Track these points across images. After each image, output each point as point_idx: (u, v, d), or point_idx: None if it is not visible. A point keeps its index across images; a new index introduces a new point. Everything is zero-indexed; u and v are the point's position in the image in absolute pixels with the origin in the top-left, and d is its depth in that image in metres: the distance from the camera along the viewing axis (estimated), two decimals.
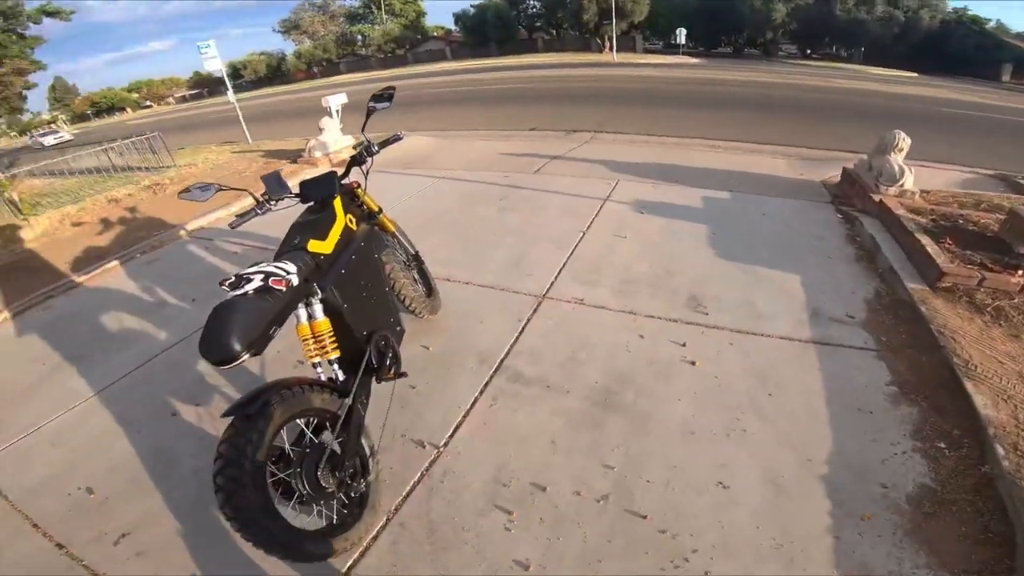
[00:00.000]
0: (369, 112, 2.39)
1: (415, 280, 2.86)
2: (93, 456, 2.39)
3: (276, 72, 52.39)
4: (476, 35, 40.55)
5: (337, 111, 7.75)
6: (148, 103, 60.53)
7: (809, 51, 33.76)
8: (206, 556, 1.78)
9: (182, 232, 5.61)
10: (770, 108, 10.87)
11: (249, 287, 1.49)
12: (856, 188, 4.07)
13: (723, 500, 1.73)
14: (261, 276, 1.51)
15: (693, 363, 2.35)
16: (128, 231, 6.24)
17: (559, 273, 3.22)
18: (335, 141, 6.94)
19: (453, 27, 45.52)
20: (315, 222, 1.98)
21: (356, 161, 2.34)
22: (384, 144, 2.45)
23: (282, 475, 1.49)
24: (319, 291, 1.76)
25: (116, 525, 1.97)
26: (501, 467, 1.94)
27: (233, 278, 1.52)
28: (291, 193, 2.12)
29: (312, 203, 2.12)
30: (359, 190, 2.38)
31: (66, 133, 32.34)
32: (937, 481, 1.73)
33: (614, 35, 30.94)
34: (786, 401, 2.11)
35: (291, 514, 1.53)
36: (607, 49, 32.97)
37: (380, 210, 2.51)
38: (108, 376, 2.98)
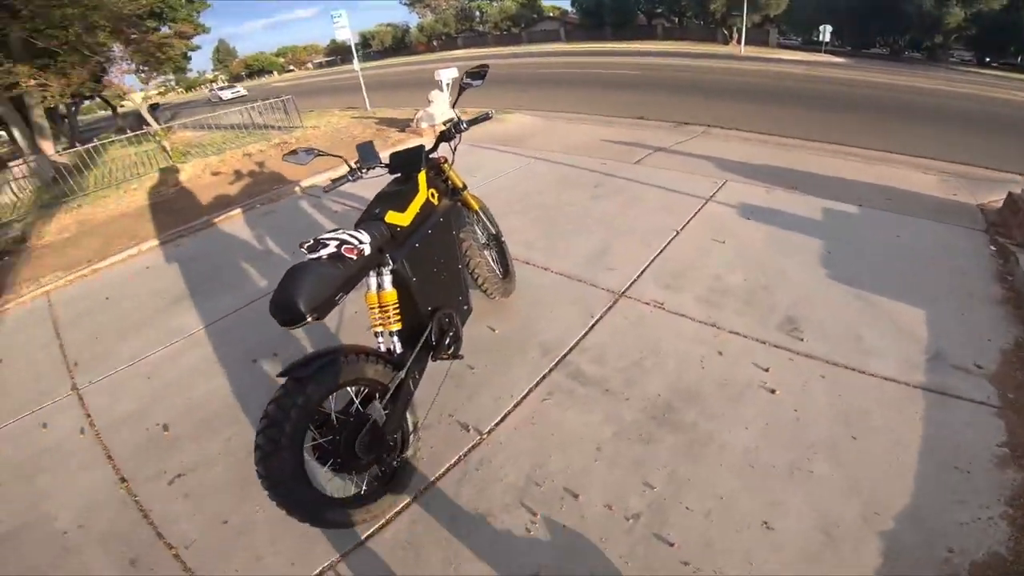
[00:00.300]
0: (462, 88, 2.37)
1: (492, 260, 2.84)
2: (177, 393, 2.68)
3: (400, 44, 55.02)
4: (592, 17, 39.34)
5: (447, 84, 7.94)
6: (291, 67, 66.78)
7: (988, 59, 28.47)
8: (242, 508, 1.91)
9: (297, 188, 6.11)
10: (926, 117, 9.38)
11: (324, 252, 1.54)
12: (1020, 218, 3.35)
13: (762, 541, 1.56)
14: (336, 243, 1.55)
15: (773, 391, 2.09)
16: (254, 183, 6.92)
17: (643, 272, 3.03)
18: (442, 113, 7.12)
19: (569, 8, 44.56)
20: (398, 193, 2.00)
21: (445, 136, 2.33)
22: (473, 122, 2.42)
23: (321, 440, 1.54)
24: (390, 262, 1.78)
25: (175, 465, 2.19)
26: (539, 465, 1.88)
27: (312, 241, 1.57)
28: (381, 163, 2.17)
29: (399, 174, 2.15)
30: (445, 165, 2.38)
31: (242, 89, 33.87)
32: (1012, 551, 1.45)
33: (743, 27, 28.42)
34: (870, 447, 1.83)
35: (324, 477, 1.59)
36: (734, 41, 30.47)
37: (464, 186, 2.50)
38: (209, 316, 3.33)
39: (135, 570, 1.76)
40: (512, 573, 1.55)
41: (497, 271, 2.78)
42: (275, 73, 64.04)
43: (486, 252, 2.81)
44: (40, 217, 7.16)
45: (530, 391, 2.22)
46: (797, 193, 4.20)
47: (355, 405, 1.63)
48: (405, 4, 56.39)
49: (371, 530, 1.74)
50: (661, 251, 3.25)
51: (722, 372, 2.21)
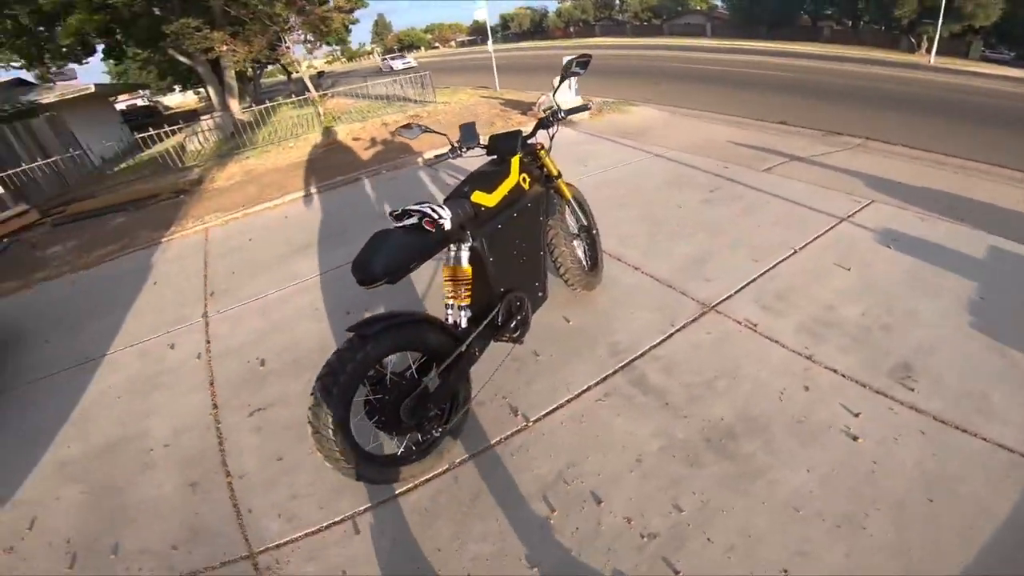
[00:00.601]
0: (563, 77, 2.34)
1: (581, 251, 2.80)
2: (280, 332, 3.04)
3: (538, 27, 55.39)
4: (745, 15, 35.98)
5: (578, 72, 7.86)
6: (436, 44, 70.79)
7: None
8: (297, 448, 2.12)
9: (419, 160, 6.53)
10: None
11: (407, 222, 1.64)
12: None
13: (756, 565, 1.45)
14: (418, 215, 1.64)
15: (855, 438, 1.83)
16: (385, 151, 7.51)
17: (742, 288, 2.79)
18: (564, 101, 7.08)
19: (718, 3, 41.23)
20: (489, 174, 2.06)
21: (543, 124, 2.34)
22: (571, 111, 2.40)
23: (372, 397, 1.66)
24: (470, 239, 1.84)
25: (259, 399, 2.48)
26: (573, 464, 1.86)
27: (399, 211, 1.68)
28: (479, 144, 2.24)
29: (495, 156, 2.21)
30: (542, 152, 2.38)
31: (412, 60, 34.33)
32: None
33: (936, 35, 24.08)
34: (943, 513, 1.56)
35: (368, 432, 1.70)
36: (922, 50, 26.02)
37: (559, 174, 2.48)
38: (322, 267, 3.73)
39: (192, 493, 2.04)
40: (511, 563, 1.56)
41: (583, 263, 2.74)
42: (422, 48, 68.37)
43: (575, 243, 2.78)
44: (216, 164, 8.49)
45: (587, 389, 2.18)
46: (962, 225, 3.53)
47: (411, 370, 1.73)
48: None
49: (397, 491, 1.85)
50: (770, 269, 2.96)
51: (802, 408, 1.98)
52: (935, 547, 1.47)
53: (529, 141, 2.30)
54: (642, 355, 2.34)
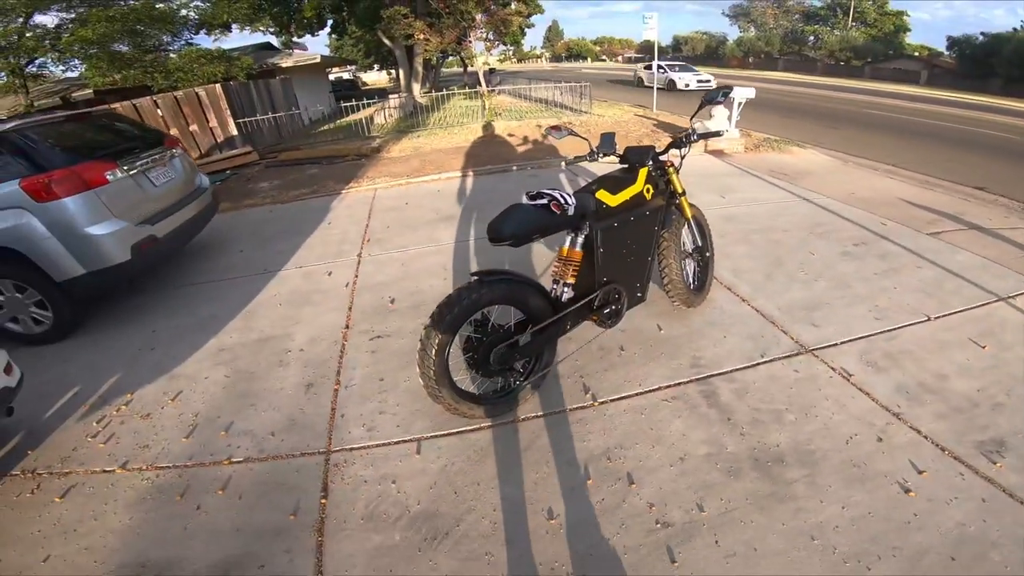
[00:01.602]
0: (701, 105, 2.51)
1: (690, 269, 2.93)
2: (413, 280, 3.61)
3: (713, 53, 52.79)
4: (976, 66, 30.42)
5: (740, 104, 7.64)
6: (603, 57, 71.36)
7: None
8: (398, 374, 2.55)
9: (562, 163, 6.94)
10: None
11: (539, 201, 1.99)
12: None
13: None
14: (548, 198, 1.98)
15: (907, 491, 1.77)
16: (533, 150, 8.08)
17: (850, 341, 2.68)
18: (712, 127, 6.96)
19: (945, 50, 35.35)
20: (617, 179, 2.33)
21: (676, 144, 2.53)
22: (703, 136, 2.55)
23: (473, 335, 2.02)
24: (587, 229, 2.14)
25: (381, 328, 3.01)
26: (621, 446, 2.04)
27: (535, 192, 2.04)
28: (615, 152, 2.51)
29: (626, 165, 2.47)
30: (671, 169, 2.57)
31: (709, 76, 20.92)
32: None
33: None
34: (959, 573, 1.51)
35: (462, 366, 2.03)
36: None
37: (683, 192, 2.65)
38: (458, 237, 4.31)
39: (304, 392, 2.50)
40: (535, 511, 1.79)
41: (689, 280, 2.87)
42: (588, 60, 69.34)
43: (687, 261, 2.92)
44: (393, 138, 9.81)
45: (658, 388, 2.34)
46: None
47: (511, 323, 2.08)
48: (727, 16, 53.53)
49: (463, 428, 2.16)
50: (891, 330, 2.78)
51: (864, 455, 1.94)
52: None
53: (661, 157, 2.52)
54: (720, 374, 2.42)
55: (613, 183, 2.29)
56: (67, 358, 3.09)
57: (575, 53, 73.24)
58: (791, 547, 1.62)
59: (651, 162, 2.42)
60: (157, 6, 11.05)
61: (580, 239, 2.16)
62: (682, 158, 2.63)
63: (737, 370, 2.46)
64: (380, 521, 1.79)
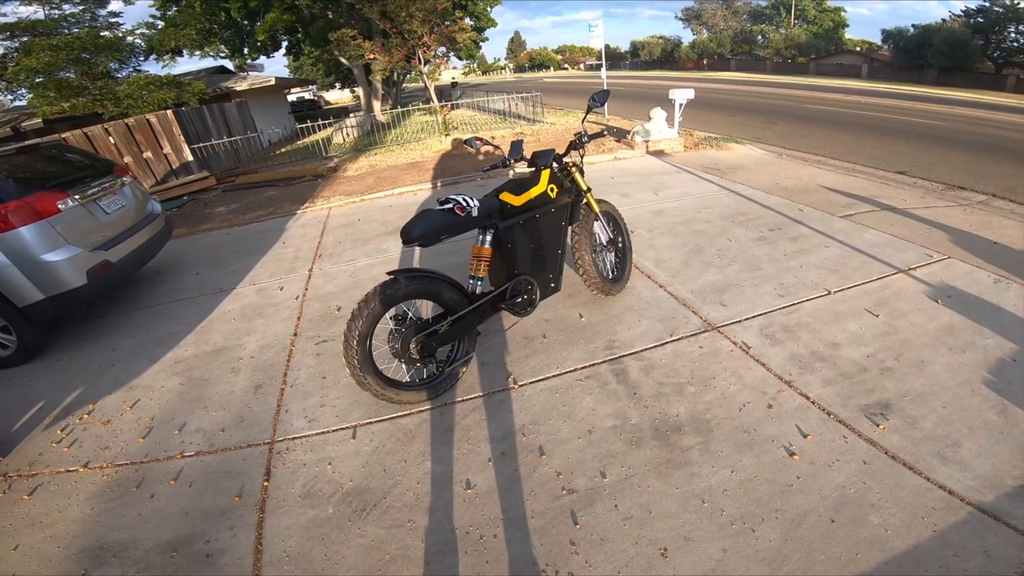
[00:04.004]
0: (589, 108, 2.78)
1: (607, 261, 3.19)
2: (358, 289, 3.80)
3: (668, 57, 54.49)
4: (910, 57, 32.18)
5: (681, 104, 8.06)
6: (565, 66, 72.78)
7: None
8: (341, 372, 2.75)
9: (510, 172, 7.21)
10: None
11: (446, 206, 2.22)
12: None
13: (647, 563, 1.65)
14: (454, 203, 2.21)
15: (792, 454, 2.00)
16: (486, 160, 8.32)
17: (753, 317, 2.98)
18: (657, 131, 7.35)
19: (881, 43, 37.31)
20: (522, 181, 2.58)
21: (573, 145, 2.80)
22: (592, 137, 2.81)
23: (393, 327, 2.24)
24: (494, 227, 2.38)
25: (326, 333, 3.22)
26: (536, 423, 2.27)
27: (444, 198, 2.27)
28: (523, 158, 2.76)
29: (533, 168, 2.72)
30: (574, 169, 2.84)
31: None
32: None
33: None
34: (837, 536, 1.70)
35: (386, 355, 2.22)
36: None
37: (588, 189, 2.92)
38: (405, 248, 4.47)
39: (253, 393, 2.72)
40: (454, 482, 1.98)
41: (604, 272, 3.13)
42: (551, 69, 70.62)
43: (604, 253, 3.18)
44: (350, 157, 9.96)
45: (573, 370, 2.58)
46: None
47: (430, 315, 2.30)
48: (680, 19, 55.35)
49: (395, 414, 2.38)
50: (790, 305, 3.09)
51: (754, 421, 2.19)
52: (809, 562, 1.61)
53: (564, 159, 2.78)
54: (631, 354, 2.68)
55: (518, 185, 2.54)
56: (32, 378, 3.24)
57: (538, 63, 74.56)
58: (683, 510, 1.82)
59: (554, 163, 2.68)
60: (102, 34, 11.00)
61: (488, 237, 2.40)
62: (581, 157, 2.89)
63: (647, 349, 2.72)
64: (316, 498, 1.98)
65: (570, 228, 2.84)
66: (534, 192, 2.54)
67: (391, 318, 2.23)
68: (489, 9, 18.29)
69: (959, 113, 15.85)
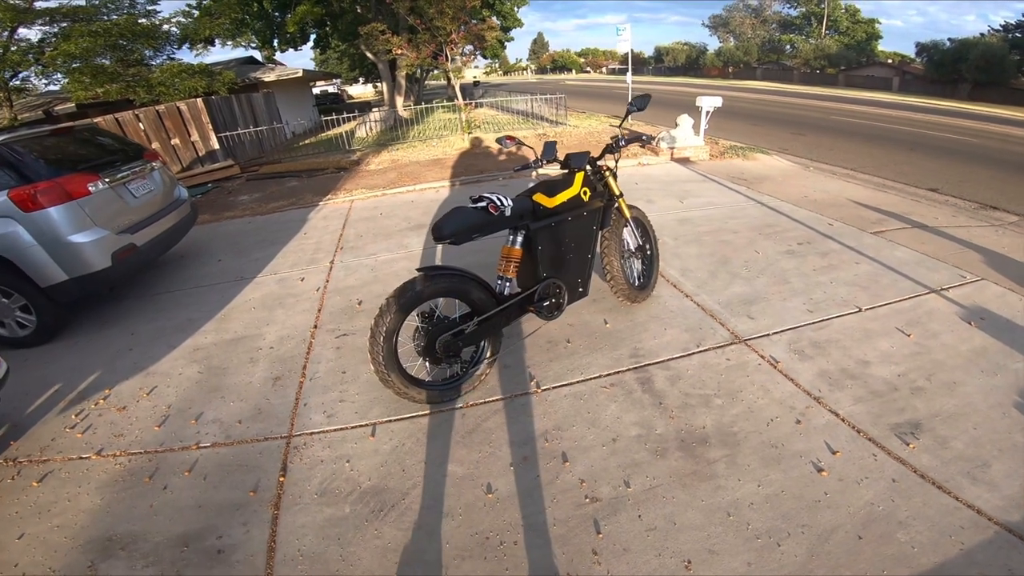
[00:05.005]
0: (628, 112, 2.73)
1: (634, 268, 3.14)
2: (379, 283, 3.78)
3: (693, 64, 53.98)
4: (944, 71, 31.39)
5: (708, 112, 7.96)
6: (587, 69, 72.56)
7: None
8: (361, 367, 2.72)
9: (533, 174, 7.18)
10: None
11: (479, 204, 2.19)
12: None
13: (666, 567, 1.62)
14: (487, 201, 2.18)
15: (820, 470, 1.94)
16: (508, 160, 8.31)
17: (781, 332, 2.90)
18: (683, 138, 7.25)
19: (914, 56, 36.53)
20: (555, 183, 2.54)
21: (609, 149, 2.75)
22: (630, 141, 2.75)
23: (420, 325, 2.21)
24: (525, 228, 2.35)
25: (347, 327, 3.19)
26: (559, 428, 2.22)
27: (477, 196, 2.24)
28: (556, 159, 2.72)
29: (566, 170, 2.68)
30: (607, 173, 2.79)
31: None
32: None
33: None
34: (864, 552, 1.66)
35: (408, 353, 2.20)
36: None
37: (621, 195, 2.87)
38: (425, 244, 4.51)
39: (272, 384, 2.69)
40: (475, 486, 1.94)
41: (631, 278, 3.08)
42: (572, 71, 70.43)
43: (632, 260, 3.13)
44: (372, 151, 10.00)
45: (597, 376, 2.53)
46: None
47: (457, 315, 2.27)
48: (707, 26, 54.80)
49: (415, 413, 2.34)
50: (820, 321, 3.01)
51: (781, 436, 2.12)
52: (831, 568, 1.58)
53: (598, 162, 2.73)
54: (657, 363, 2.62)
55: (551, 186, 2.50)
56: (49, 360, 3.24)
57: (560, 65, 74.42)
58: (708, 522, 1.77)
59: (588, 166, 2.63)
60: (140, 21, 11.21)
61: (519, 238, 2.36)
62: (616, 162, 2.84)
63: (673, 359, 2.66)
64: (333, 496, 1.95)
65: (600, 233, 2.80)
66: (567, 195, 2.50)
67: (417, 315, 2.20)
68: (516, 9, 18.30)
69: (992, 130, 15.43)
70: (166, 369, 2.99)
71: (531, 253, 2.41)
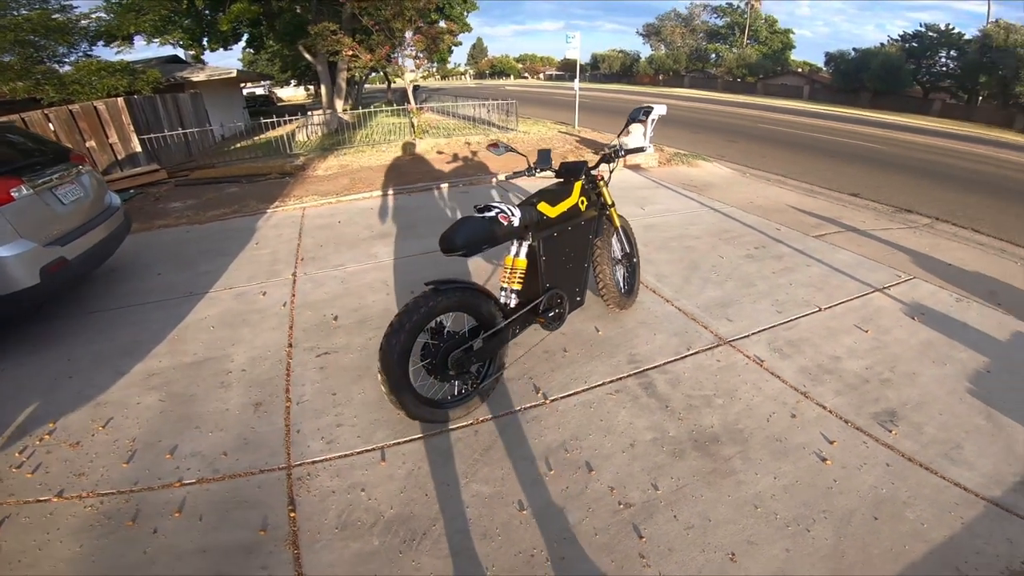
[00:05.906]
0: (629, 121, 2.80)
1: (620, 275, 3.21)
2: (354, 297, 3.62)
3: (627, 71, 56.44)
4: (849, 80, 34.98)
5: (653, 120, 8.31)
6: (525, 74, 73.70)
7: None
8: (351, 387, 2.60)
9: (492, 180, 7.16)
10: None
11: (487, 214, 2.15)
12: None
13: (717, 568, 1.68)
14: (497, 210, 2.15)
15: (824, 459, 2.10)
16: (464, 167, 8.24)
17: (759, 331, 3.09)
18: (636, 145, 7.54)
19: (823, 66, 40.38)
20: (554, 192, 2.54)
21: (606, 159, 2.80)
22: (629, 151, 2.83)
23: (430, 342, 2.13)
24: (530, 239, 2.33)
25: (327, 345, 3.01)
26: (576, 438, 2.22)
27: (484, 205, 2.19)
28: (551, 168, 2.73)
29: (562, 179, 2.69)
30: (601, 183, 2.84)
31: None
32: None
33: None
34: (883, 531, 1.81)
35: (420, 373, 2.13)
36: None
37: (613, 204, 2.93)
38: (396, 253, 4.37)
39: (253, 411, 2.46)
40: (505, 505, 1.90)
41: (620, 285, 3.15)
42: (511, 77, 71.27)
43: (618, 267, 3.20)
44: (318, 156, 9.56)
45: (602, 384, 2.57)
46: (995, 310, 3.64)
47: (466, 329, 2.21)
48: (640, 34, 57.56)
49: (425, 433, 2.25)
50: (789, 320, 3.24)
51: (783, 430, 2.27)
52: (866, 556, 1.72)
53: (592, 172, 2.78)
54: (655, 367, 2.70)
55: (552, 196, 2.50)
56: None
57: (498, 70, 74.96)
58: (739, 516, 1.86)
59: (584, 176, 2.67)
60: (54, 16, 10.04)
61: (524, 248, 2.34)
62: (611, 172, 2.91)
63: (669, 363, 2.75)
64: (355, 528, 1.82)
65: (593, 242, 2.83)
66: (567, 204, 2.52)
67: (426, 330, 2.12)
68: (466, 14, 18.23)
69: (894, 137, 17.32)
70: (119, 398, 2.65)
71: (534, 263, 2.39)
